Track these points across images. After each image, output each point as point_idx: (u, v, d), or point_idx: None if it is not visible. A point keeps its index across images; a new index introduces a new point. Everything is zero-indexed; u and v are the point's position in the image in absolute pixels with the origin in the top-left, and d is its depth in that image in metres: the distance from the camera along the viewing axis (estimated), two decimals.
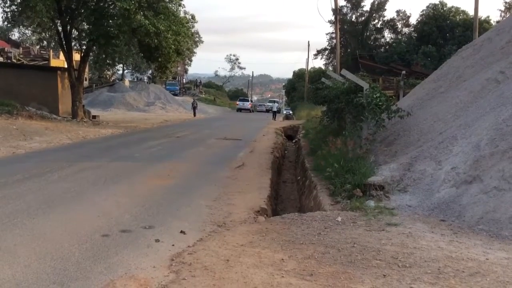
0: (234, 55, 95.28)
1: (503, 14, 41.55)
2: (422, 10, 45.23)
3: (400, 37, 49.62)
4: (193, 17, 26.99)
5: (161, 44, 22.69)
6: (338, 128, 13.82)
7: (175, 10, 23.98)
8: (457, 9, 43.15)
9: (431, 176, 7.67)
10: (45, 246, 5.27)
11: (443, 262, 4.75)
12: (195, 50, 61.38)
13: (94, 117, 26.90)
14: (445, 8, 43.33)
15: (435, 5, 43.52)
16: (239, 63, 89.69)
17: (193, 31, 34.92)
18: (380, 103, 10.20)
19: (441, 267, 4.61)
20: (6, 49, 38.77)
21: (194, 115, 37.94)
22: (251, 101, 67.33)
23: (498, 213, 6.13)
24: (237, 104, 59.88)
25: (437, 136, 8.97)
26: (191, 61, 72.48)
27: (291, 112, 50.65)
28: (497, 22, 31.77)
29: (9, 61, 34.43)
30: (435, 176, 7.58)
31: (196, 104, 39.49)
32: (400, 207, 7.04)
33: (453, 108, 9.78)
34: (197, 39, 57.89)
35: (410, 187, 7.67)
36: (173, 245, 5.46)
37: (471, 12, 32.09)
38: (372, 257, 4.91)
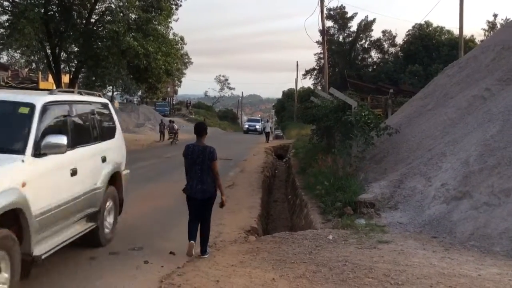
0: (223, 76, 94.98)
1: (487, 33, 42.37)
2: (408, 30, 45.84)
3: (387, 57, 50.21)
4: (182, 38, 27.12)
5: (151, 65, 22.72)
6: (328, 146, 13.85)
7: (164, 32, 24.12)
8: (442, 28, 43.87)
9: (421, 193, 7.67)
10: None
11: (436, 279, 4.71)
12: (184, 71, 61.29)
13: None
14: (430, 28, 44.02)
15: (420, 25, 44.19)
16: (228, 83, 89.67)
17: (182, 52, 34.96)
18: (368, 121, 10.27)
19: (433, 284, 4.57)
20: None
21: (161, 139, 31.61)
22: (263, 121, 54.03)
23: (489, 228, 6.13)
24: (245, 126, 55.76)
25: (426, 152, 9.01)
26: (180, 82, 72.38)
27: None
28: (481, 41, 32.38)
29: None
30: (425, 193, 7.59)
31: (163, 128, 32.26)
32: (391, 224, 7.01)
33: (441, 125, 9.86)
34: (186, 60, 58.01)
35: (401, 204, 7.66)
36: (162, 266, 5.37)
37: (456, 32, 32.64)
38: (364, 275, 4.86)
